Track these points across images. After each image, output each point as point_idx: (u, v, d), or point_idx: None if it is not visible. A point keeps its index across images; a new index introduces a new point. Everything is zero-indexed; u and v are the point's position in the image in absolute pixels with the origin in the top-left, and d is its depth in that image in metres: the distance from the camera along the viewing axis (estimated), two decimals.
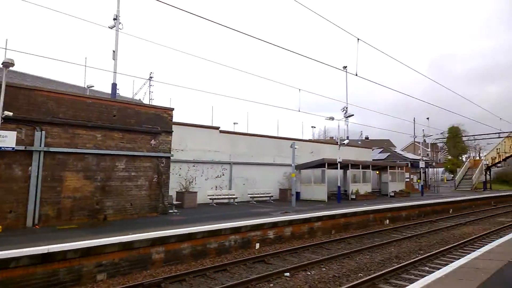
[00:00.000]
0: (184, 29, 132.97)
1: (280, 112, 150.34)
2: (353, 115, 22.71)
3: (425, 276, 7.00)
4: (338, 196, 22.43)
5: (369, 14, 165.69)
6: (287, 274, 9.20)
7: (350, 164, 24.47)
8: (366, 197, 24.48)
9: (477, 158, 56.55)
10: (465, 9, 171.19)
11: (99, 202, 12.54)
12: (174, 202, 16.04)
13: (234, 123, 33.60)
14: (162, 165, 14.63)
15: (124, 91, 38.40)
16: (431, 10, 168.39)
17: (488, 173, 45.23)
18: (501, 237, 13.19)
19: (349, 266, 10.25)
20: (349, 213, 16.57)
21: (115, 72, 14.54)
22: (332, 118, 22.30)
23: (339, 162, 21.69)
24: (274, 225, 13.10)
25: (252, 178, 22.85)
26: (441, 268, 7.34)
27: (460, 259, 7.75)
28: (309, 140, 34.66)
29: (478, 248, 11.15)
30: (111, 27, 14.61)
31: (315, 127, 63.43)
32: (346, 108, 26.17)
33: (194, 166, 19.97)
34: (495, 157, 44.77)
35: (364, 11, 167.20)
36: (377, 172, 30.37)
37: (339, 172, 23.51)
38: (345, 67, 26.79)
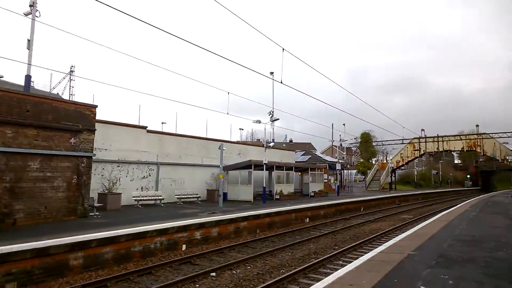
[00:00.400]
0: (112, 26, 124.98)
1: (209, 113, 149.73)
2: (278, 119, 23.69)
3: (338, 269, 7.76)
4: (264, 196, 23.29)
5: (295, 28, 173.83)
6: (213, 274, 9.39)
7: (275, 166, 25.56)
8: (289, 197, 25.79)
9: (385, 161, 63.01)
10: (382, 25, 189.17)
11: (7, 206, 11.34)
12: (96, 204, 15.15)
13: (162, 123, 32.79)
14: (82, 165, 13.75)
15: (40, 85, 34.89)
16: (352, 25, 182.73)
17: (393, 175, 50.77)
18: (403, 232, 14.94)
19: (272, 264, 10.80)
20: (273, 213, 17.35)
21: (29, 64, 13.23)
22: (259, 121, 23.11)
23: (265, 163, 22.52)
24: (201, 226, 13.20)
25: (179, 179, 22.57)
26: (353, 261, 8.16)
27: (369, 253, 8.72)
28: (237, 142, 35.26)
29: (384, 243, 12.55)
30: (26, 14, 13.26)
31: (243, 129, 64.49)
32: (272, 112, 27.17)
33: (118, 166, 19.07)
34: (399, 161, 50.50)
35: (291, 25, 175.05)
36: (299, 173, 32.14)
37: (264, 173, 24.41)
38: (271, 73, 27.84)
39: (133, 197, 18.61)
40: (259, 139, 65.20)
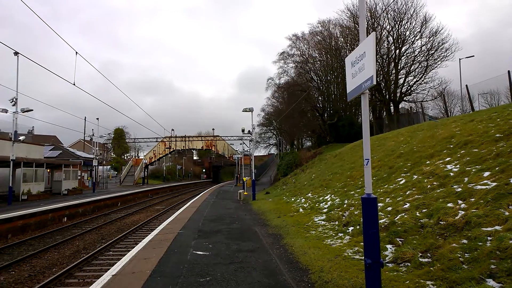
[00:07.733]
0: None
1: None
2: (32, 110, 20.93)
3: (128, 251, 9.05)
4: (9, 197, 20.06)
5: None
6: None
7: (23, 162, 22.42)
8: (39, 197, 23.33)
9: (137, 157, 65.55)
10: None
11: None
12: None
13: None
14: None
15: None
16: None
17: (146, 170, 53.92)
18: (160, 221, 17.37)
19: (41, 265, 10.51)
20: (28, 214, 15.87)
21: None
22: (5, 111, 19.74)
23: (12, 160, 19.55)
24: None
25: None
26: (139, 243, 9.53)
27: (148, 236, 10.43)
28: None
29: (148, 231, 14.49)
30: None
31: None
32: (16, 99, 23.38)
33: None
34: (152, 157, 54.27)
35: None
36: (48, 170, 29.27)
37: (10, 171, 21.05)
38: (16, 53, 23.94)
39: None
40: None
